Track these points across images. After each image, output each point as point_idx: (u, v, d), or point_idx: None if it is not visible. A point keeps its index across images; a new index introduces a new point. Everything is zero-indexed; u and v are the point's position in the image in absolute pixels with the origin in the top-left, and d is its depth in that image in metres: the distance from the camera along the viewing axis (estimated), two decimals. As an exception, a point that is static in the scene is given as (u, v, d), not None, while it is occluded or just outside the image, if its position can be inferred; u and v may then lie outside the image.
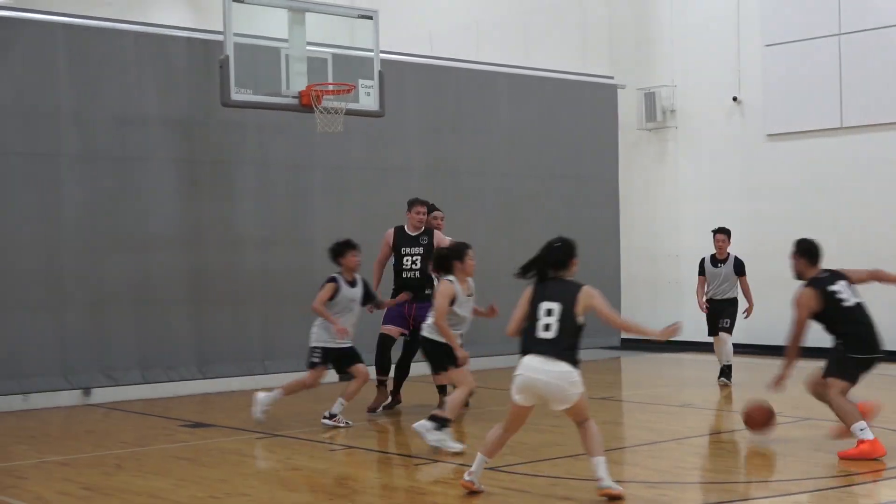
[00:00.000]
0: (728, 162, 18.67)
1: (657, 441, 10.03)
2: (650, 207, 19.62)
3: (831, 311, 8.93)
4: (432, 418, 9.34)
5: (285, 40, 13.19)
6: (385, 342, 11.99)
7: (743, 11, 18.36)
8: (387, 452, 9.92)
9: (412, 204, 12.32)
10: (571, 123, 17.98)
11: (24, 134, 12.94)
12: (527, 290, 7.71)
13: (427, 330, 9.92)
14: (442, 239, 12.08)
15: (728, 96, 18.58)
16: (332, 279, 11.05)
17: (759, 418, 9.52)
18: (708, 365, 15.74)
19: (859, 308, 8.99)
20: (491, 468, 8.13)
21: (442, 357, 9.83)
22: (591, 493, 7.55)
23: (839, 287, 8.97)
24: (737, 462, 9.32)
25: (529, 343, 7.48)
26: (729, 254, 14.26)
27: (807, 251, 9.20)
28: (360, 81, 13.62)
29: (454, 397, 9.60)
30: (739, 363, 14.90)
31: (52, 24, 13.21)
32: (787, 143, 17.90)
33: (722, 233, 14.32)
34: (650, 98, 19.34)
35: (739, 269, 14.11)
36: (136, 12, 22.68)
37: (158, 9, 26.57)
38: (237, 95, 12.73)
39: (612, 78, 18.89)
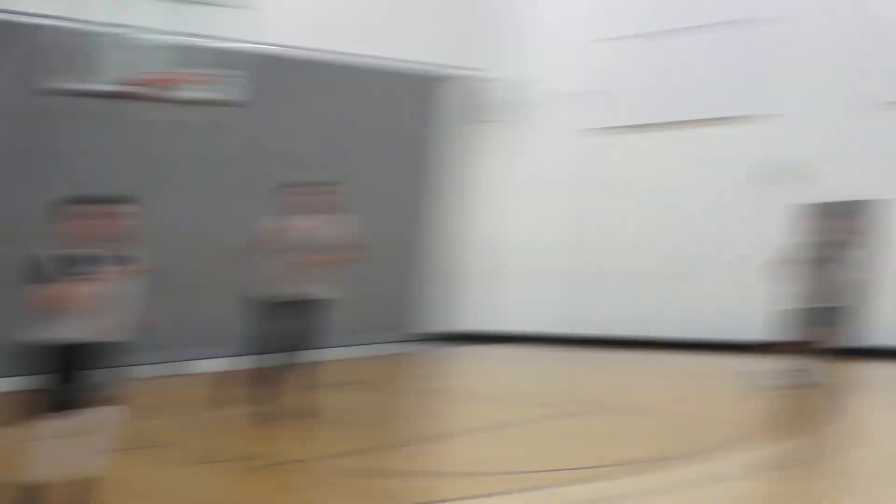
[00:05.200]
0: (558, 156, 18.83)
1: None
2: (481, 201, 19.42)
3: None
4: None
5: (116, 25, 12.91)
6: None
7: (577, 5, 18.63)
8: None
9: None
10: (395, 115, 17.73)
11: None
12: None
13: None
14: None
15: (563, 90, 18.64)
16: None
17: None
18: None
19: None
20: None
21: None
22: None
23: None
24: (529, 452, 9.29)
25: None
26: None
27: None
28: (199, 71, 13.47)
29: None
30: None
31: None
32: (612, 137, 18.26)
33: None
34: (482, 90, 19.23)
35: None
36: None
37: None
38: (54, 83, 12.43)
39: (441, 68, 18.65)
